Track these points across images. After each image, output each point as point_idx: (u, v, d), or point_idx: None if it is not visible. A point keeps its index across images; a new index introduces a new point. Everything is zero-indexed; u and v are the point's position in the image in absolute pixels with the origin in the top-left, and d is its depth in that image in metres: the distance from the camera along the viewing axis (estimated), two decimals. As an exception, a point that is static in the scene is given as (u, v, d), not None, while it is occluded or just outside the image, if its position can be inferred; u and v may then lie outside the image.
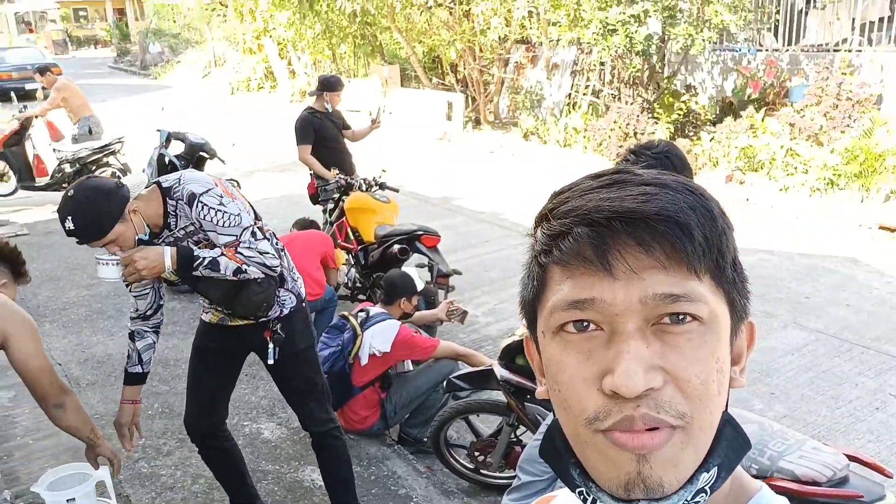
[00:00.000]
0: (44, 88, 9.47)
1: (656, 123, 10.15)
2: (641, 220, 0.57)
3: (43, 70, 9.11)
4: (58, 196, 8.84)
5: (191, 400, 2.95)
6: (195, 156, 7.49)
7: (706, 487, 0.59)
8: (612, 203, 0.59)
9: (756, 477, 2.33)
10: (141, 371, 2.80)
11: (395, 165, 8.13)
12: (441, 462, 3.50)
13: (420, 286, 4.10)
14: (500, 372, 3.03)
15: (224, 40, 22.92)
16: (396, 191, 5.48)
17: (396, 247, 4.62)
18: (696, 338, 0.58)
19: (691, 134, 10.41)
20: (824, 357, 4.63)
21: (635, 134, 10.12)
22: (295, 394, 2.94)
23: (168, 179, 2.55)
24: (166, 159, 7.44)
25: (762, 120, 9.27)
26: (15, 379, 4.45)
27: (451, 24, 13.15)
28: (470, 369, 3.38)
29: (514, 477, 3.38)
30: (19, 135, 8.63)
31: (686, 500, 0.58)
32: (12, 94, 10.11)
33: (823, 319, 5.16)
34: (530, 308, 0.66)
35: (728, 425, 0.61)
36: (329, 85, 5.68)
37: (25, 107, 9.11)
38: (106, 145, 8.87)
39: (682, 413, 0.57)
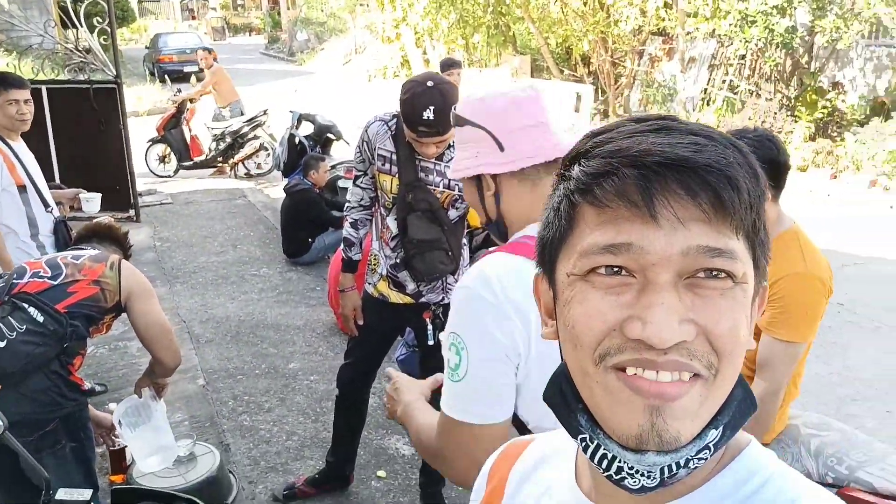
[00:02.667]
0: (199, 71, 10.40)
1: (795, 122, 9.58)
2: (692, 170, 0.55)
3: (209, 49, 10.13)
4: (204, 172, 9.61)
5: (350, 355, 3.07)
6: (323, 137, 7.88)
7: (711, 445, 0.57)
8: (662, 148, 0.56)
9: (831, 486, 2.21)
10: (360, 258, 2.92)
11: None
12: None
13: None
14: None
15: (365, 28, 23.71)
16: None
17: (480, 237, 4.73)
18: (728, 294, 0.57)
19: (834, 134, 9.75)
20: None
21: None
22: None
23: None
24: (296, 139, 7.87)
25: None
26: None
27: (585, 15, 12.97)
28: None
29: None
30: (176, 118, 9.36)
31: (691, 455, 0.57)
32: (167, 77, 11.05)
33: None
34: (552, 248, 0.63)
35: (739, 385, 0.60)
36: (444, 66, 6.02)
37: (179, 90, 9.90)
38: (253, 118, 9.52)
39: (711, 363, 0.56)
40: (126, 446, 3.22)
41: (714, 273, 0.56)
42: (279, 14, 39.78)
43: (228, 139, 9.49)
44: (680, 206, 0.55)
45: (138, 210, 7.40)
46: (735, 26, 9.43)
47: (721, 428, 0.58)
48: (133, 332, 4.87)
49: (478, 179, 1.36)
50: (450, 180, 2.64)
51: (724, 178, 0.55)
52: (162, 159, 9.65)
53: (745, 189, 0.56)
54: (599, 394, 0.58)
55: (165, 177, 9.55)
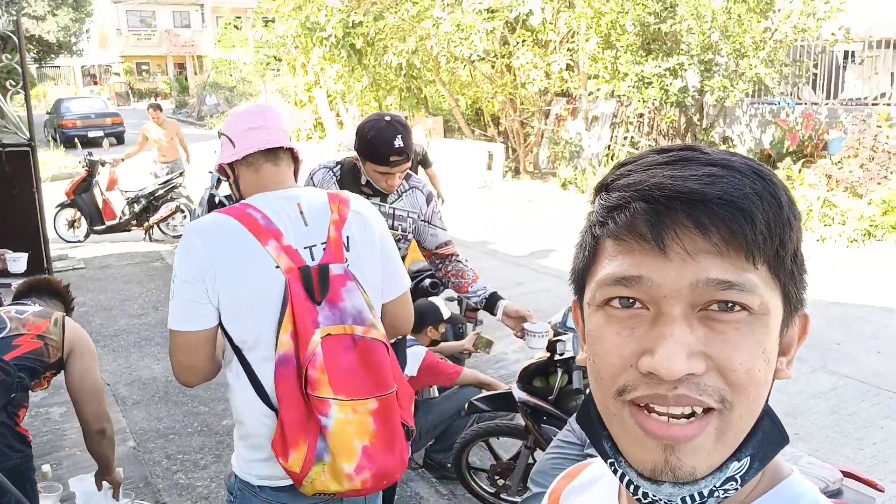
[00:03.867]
0: (105, 136, 10.27)
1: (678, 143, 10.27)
2: (702, 203, 0.55)
3: (156, 106, 10.01)
4: (117, 236, 9.37)
5: None
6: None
7: (737, 476, 0.58)
8: (674, 181, 0.57)
9: None
10: None
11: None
12: (463, 485, 3.61)
13: (446, 315, 4.27)
14: (518, 394, 3.16)
15: (277, 93, 23.88)
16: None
17: (428, 280, 4.81)
18: (744, 327, 0.56)
19: (728, 185, 10.48)
20: (851, 401, 4.63)
21: (672, 184, 10.25)
22: None
23: None
24: (216, 199, 7.84)
25: (799, 172, 9.32)
26: (65, 396, 4.73)
27: (493, 78, 13.57)
28: (490, 392, 3.52)
29: (533, 501, 3.50)
30: (87, 181, 9.12)
31: (714, 486, 0.57)
32: (76, 141, 10.80)
33: (853, 365, 5.15)
34: (580, 277, 0.65)
35: (766, 417, 0.60)
36: None
37: (90, 153, 9.69)
38: (168, 180, 9.39)
39: (723, 397, 0.56)
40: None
41: (729, 306, 0.56)
42: (186, 79, 39.48)
43: (143, 202, 9.34)
44: (689, 240, 0.56)
45: (52, 275, 7.14)
46: (633, 87, 10.12)
47: (746, 460, 0.59)
48: (54, 398, 4.70)
49: (225, 173, 1.89)
50: (393, 221, 2.78)
51: (737, 210, 0.55)
52: (71, 224, 9.38)
53: (762, 220, 0.56)
54: (617, 427, 0.61)
55: (75, 242, 9.26)
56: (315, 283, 1.67)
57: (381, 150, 2.59)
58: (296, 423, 1.64)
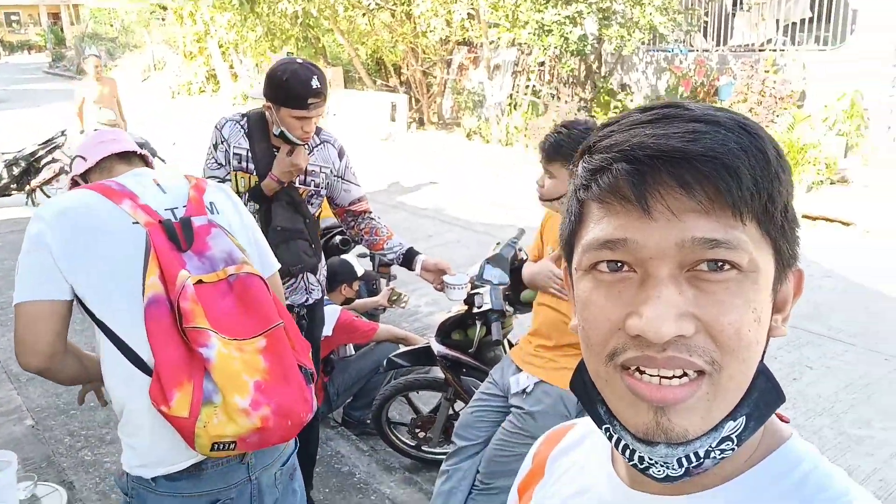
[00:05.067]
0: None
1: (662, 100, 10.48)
2: (685, 160, 0.54)
3: (88, 59, 8.51)
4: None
5: None
6: (135, 155, 7.44)
7: (733, 436, 0.58)
8: (656, 140, 0.55)
9: None
10: None
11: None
12: (384, 441, 3.61)
13: (360, 272, 4.21)
14: (437, 347, 3.16)
15: (164, 43, 22.60)
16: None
17: (338, 238, 4.71)
18: (733, 286, 0.55)
19: (627, 131, 10.76)
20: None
21: (574, 131, 10.42)
22: None
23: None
24: (105, 159, 7.37)
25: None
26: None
27: (392, 27, 13.28)
28: (409, 347, 3.50)
29: (454, 451, 3.54)
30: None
31: (710, 446, 0.57)
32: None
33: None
34: (568, 243, 0.64)
35: (762, 376, 0.60)
36: None
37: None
38: (49, 139, 8.76)
39: (713, 359, 0.55)
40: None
41: (718, 264, 0.55)
42: (62, 30, 36.80)
43: (23, 164, 8.68)
44: (673, 199, 0.55)
45: (-77, 246, 6.58)
46: (534, 35, 10.13)
47: (742, 419, 0.58)
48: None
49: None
50: (305, 176, 2.67)
51: (721, 166, 0.54)
52: (-56, 191, 8.64)
53: (749, 175, 0.54)
54: (609, 392, 0.60)
55: (-51, 209, 8.55)
56: (179, 234, 1.62)
57: (298, 91, 2.46)
58: (175, 363, 1.51)
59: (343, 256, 4.28)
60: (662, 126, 0.57)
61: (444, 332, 3.20)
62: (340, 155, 2.79)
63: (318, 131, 2.74)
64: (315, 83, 2.47)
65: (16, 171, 8.69)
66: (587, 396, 0.64)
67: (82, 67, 9.61)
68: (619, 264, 0.57)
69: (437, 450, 3.54)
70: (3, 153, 8.79)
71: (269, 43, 15.89)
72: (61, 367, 1.64)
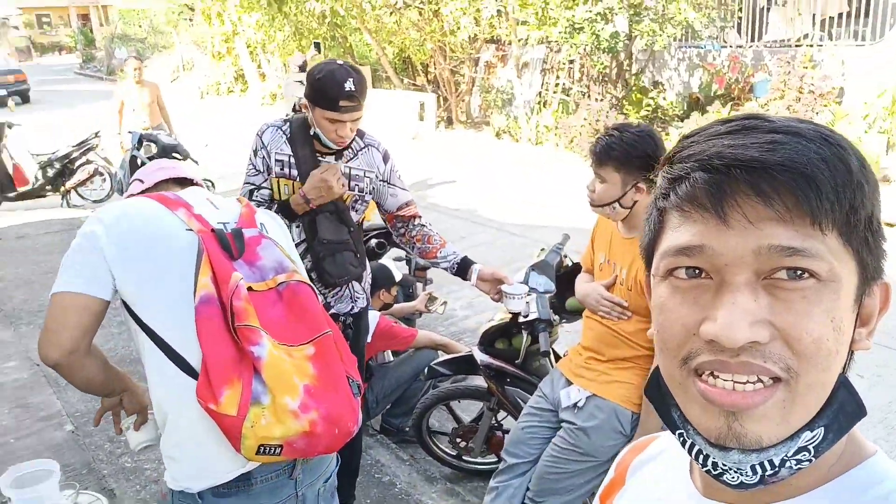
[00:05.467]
0: (9, 95, 9.12)
1: (626, 119, 10.30)
2: (763, 170, 0.55)
3: (130, 62, 8.25)
4: (32, 203, 8.77)
5: None
6: (168, 156, 7.48)
7: (810, 447, 0.57)
8: (734, 150, 0.56)
9: None
10: None
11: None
12: (424, 450, 3.56)
13: (398, 277, 4.16)
14: (480, 356, 3.09)
15: (192, 44, 22.77)
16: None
17: (374, 241, 4.67)
18: (811, 295, 0.55)
19: (660, 129, 10.59)
20: None
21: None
22: None
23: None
24: (139, 161, 7.42)
25: (728, 114, 9.47)
26: (-7, 381, 4.43)
27: (420, 25, 13.23)
28: (451, 355, 3.44)
29: (494, 461, 3.46)
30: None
31: (786, 455, 0.57)
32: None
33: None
34: (647, 251, 0.66)
35: (843, 388, 0.59)
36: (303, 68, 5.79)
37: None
38: (83, 141, 8.83)
39: (789, 366, 0.55)
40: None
41: (797, 272, 0.55)
42: (92, 31, 37.27)
43: (57, 166, 8.77)
44: (750, 208, 0.55)
45: (-38, 249, 6.66)
46: (564, 33, 10.01)
47: (820, 430, 0.57)
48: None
49: None
50: (349, 181, 2.62)
51: (800, 175, 0.54)
52: (-22, 192, 8.74)
53: (829, 185, 0.54)
54: (682, 396, 0.61)
55: (-14, 210, 8.65)
56: (231, 243, 1.64)
57: (330, 92, 2.41)
58: (225, 361, 1.51)
59: (381, 261, 4.23)
60: (742, 136, 0.58)
61: (488, 340, 3.13)
62: (385, 159, 2.72)
63: (362, 134, 2.69)
64: (349, 86, 2.40)
65: (50, 172, 8.77)
66: (662, 401, 0.64)
67: (119, 69, 9.65)
68: (696, 271, 0.58)
69: (479, 460, 3.48)
70: (37, 154, 8.88)
71: (296, 42, 15.95)
72: (79, 366, 1.62)
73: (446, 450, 3.54)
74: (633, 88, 11.07)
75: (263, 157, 2.60)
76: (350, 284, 2.73)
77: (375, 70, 15.80)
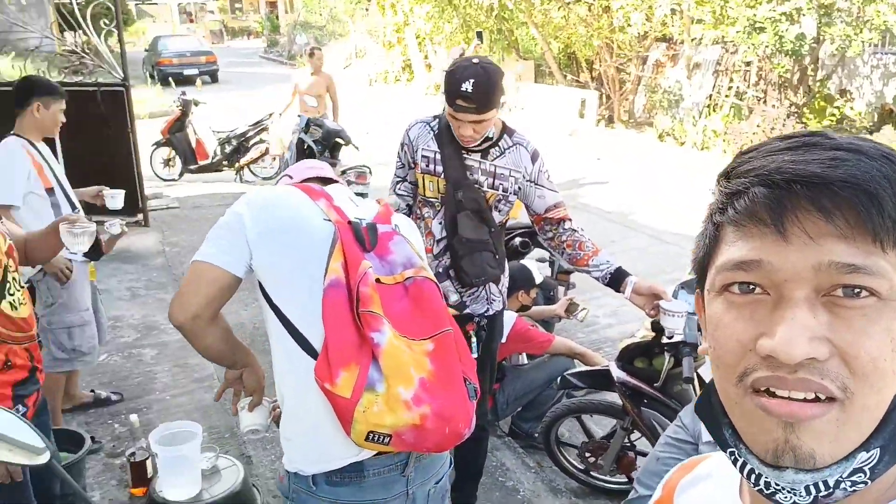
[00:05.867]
0: (201, 74, 9.98)
1: (804, 129, 9.56)
2: (824, 185, 0.54)
3: (311, 52, 8.85)
4: (209, 176, 9.50)
5: None
6: (331, 141, 7.81)
7: (865, 468, 0.56)
8: (795, 165, 0.56)
9: None
10: None
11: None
12: (550, 459, 3.47)
13: (539, 280, 4.07)
14: (617, 373, 2.95)
15: (366, 33, 23.67)
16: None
17: (518, 240, 4.60)
18: (872, 313, 0.54)
19: (843, 141, 9.74)
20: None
21: (780, 139, 9.63)
22: None
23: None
24: (305, 144, 7.79)
25: (927, 130, 8.53)
26: (157, 338, 4.82)
27: (588, 21, 12.94)
28: (586, 368, 3.32)
29: (623, 482, 3.31)
30: (181, 121, 9.26)
31: (841, 476, 0.55)
32: (170, 80, 10.86)
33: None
34: (701, 267, 0.65)
35: None
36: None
37: (184, 92, 9.79)
38: (258, 121, 9.44)
39: (846, 385, 0.54)
40: (147, 459, 3.15)
41: (855, 291, 0.54)
42: (277, 17, 39.74)
43: (234, 143, 9.42)
44: (811, 224, 0.54)
45: (147, 214, 7.31)
46: (743, 33, 9.40)
47: (876, 451, 0.56)
48: (147, 339, 4.79)
49: None
50: (494, 180, 2.57)
51: (862, 192, 0.53)
52: (167, 163, 9.56)
53: (891, 202, 0.54)
54: (738, 413, 0.59)
55: (170, 180, 9.45)
56: (365, 236, 1.69)
57: (449, 87, 2.37)
58: (345, 344, 1.54)
59: (522, 262, 4.16)
60: (802, 153, 0.57)
61: (627, 357, 2.98)
62: (534, 158, 2.62)
63: (511, 133, 2.62)
64: (465, 86, 2.33)
65: (228, 149, 9.45)
66: (713, 418, 0.63)
67: (298, 54, 10.27)
68: (752, 286, 0.57)
69: (608, 478, 3.34)
70: (217, 132, 9.58)
71: (463, 34, 16.12)
72: (201, 332, 1.69)
73: (574, 462, 3.43)
74: (817, 96, 10.22)
75: (407, 151, 2.63)
76: (487, 285, 2.69)
77: (539, 65, 15.67)
